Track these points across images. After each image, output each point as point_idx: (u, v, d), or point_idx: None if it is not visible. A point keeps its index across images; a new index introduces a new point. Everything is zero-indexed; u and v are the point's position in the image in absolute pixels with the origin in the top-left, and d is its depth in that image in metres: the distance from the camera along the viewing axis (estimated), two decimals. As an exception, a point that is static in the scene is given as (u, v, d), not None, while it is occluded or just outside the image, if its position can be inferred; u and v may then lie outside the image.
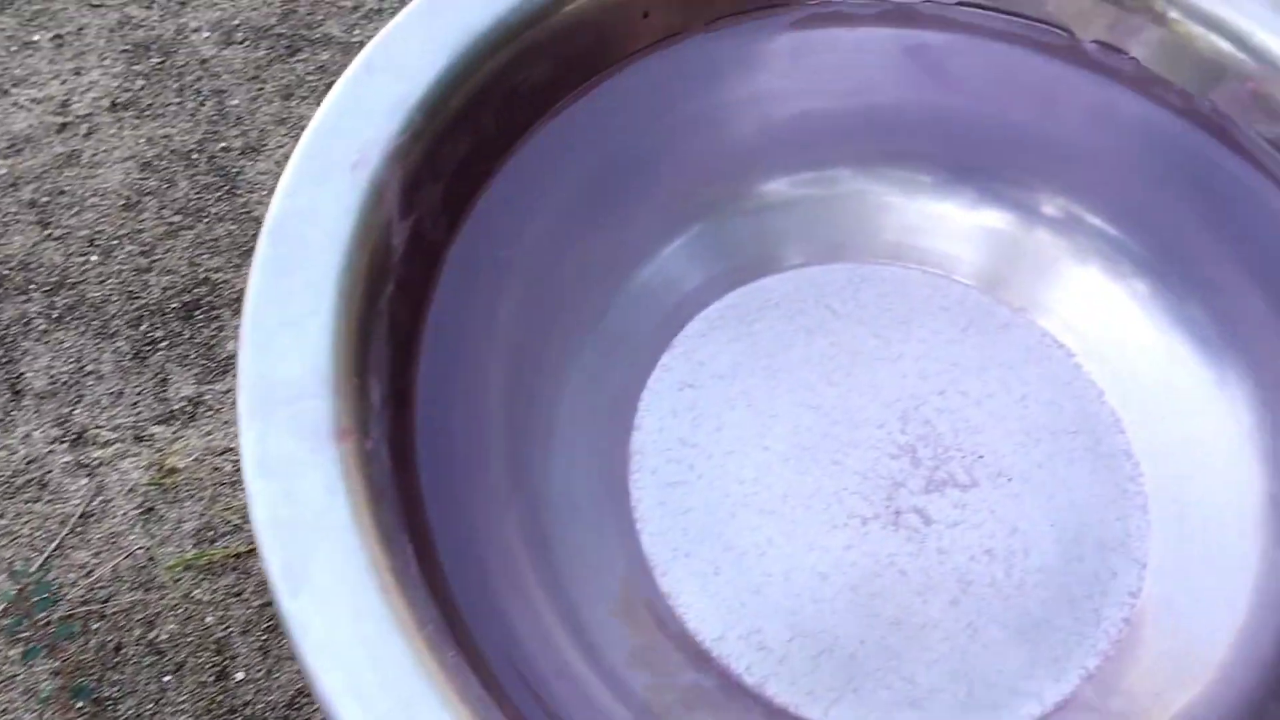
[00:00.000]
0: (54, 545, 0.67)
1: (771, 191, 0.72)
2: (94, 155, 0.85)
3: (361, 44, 0.92)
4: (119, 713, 0.63)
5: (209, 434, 0.72)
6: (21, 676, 0.63)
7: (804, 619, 0.63)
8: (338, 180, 0.55)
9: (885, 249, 0.73)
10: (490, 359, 0.62)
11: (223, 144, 0.85)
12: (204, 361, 0.75)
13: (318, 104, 0.87)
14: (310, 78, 0.89)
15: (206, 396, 0.73)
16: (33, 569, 0.64)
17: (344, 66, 0.87)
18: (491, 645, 0.54)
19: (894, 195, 0.73)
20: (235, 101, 0.88)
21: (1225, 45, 0.67)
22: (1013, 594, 0.65)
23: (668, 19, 0.69)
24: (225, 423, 0.72)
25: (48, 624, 0.65)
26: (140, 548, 0.68)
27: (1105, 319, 0.71)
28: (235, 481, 0.70)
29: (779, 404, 0.69)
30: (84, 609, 0.65)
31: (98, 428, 0.72)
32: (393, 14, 0.90)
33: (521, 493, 0.62)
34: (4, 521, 0.68)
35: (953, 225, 0.73)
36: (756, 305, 0.72)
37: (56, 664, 0.64)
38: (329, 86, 0.89)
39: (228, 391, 0.73)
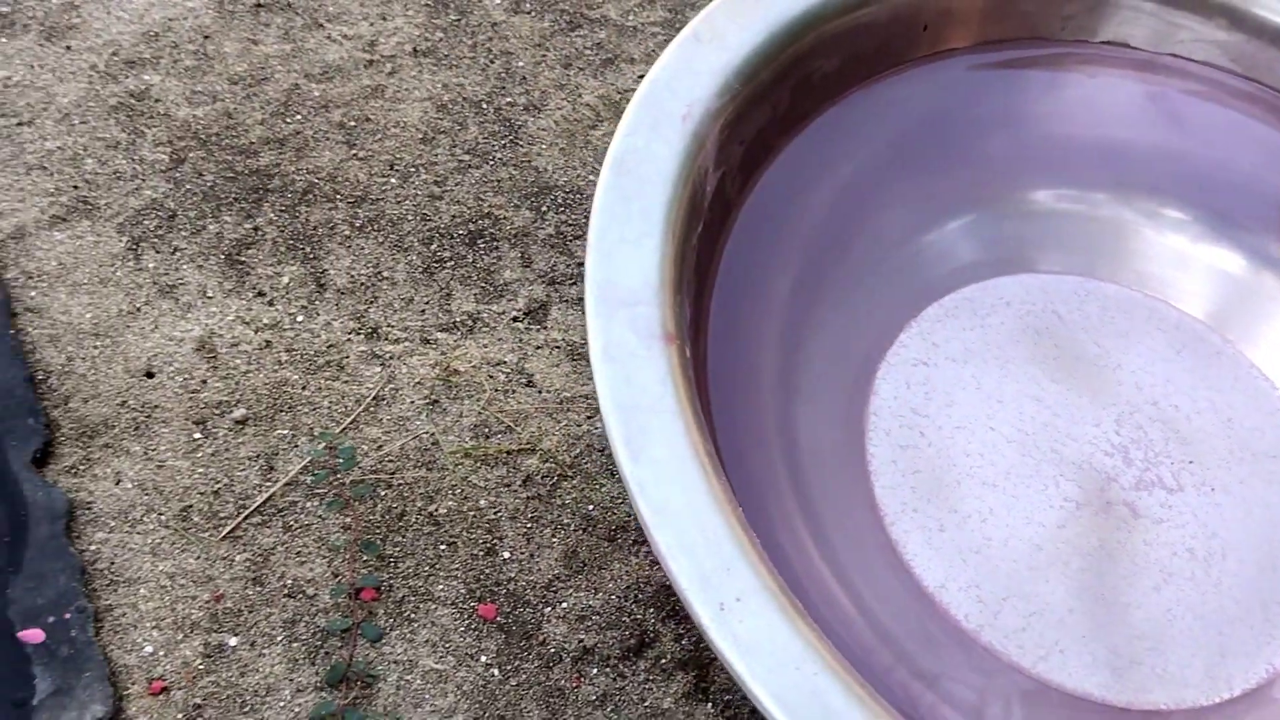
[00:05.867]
0: (350, 419, 0.75)
1: (1035, 200, 0.79)
2: (396, 91, 0.94)
3: (635, 28, 1.01)
4: (399, 570, 0.70)
5: (486, 346, 0.79)
6: (316, 526, 0.71)
7: (1019, 582, 0.68)
8: (669, 128, 0.63)
9: (1131, 276, 0.79)
10: (767, 303, 0.69)
11: (508, 99, 0.94)
12: (483, 284, 0.83)
13: (594, 76, 0.98)
14: (588, 52, 0.97)
15: (484, 314, 0.81)
16: (335, 434, 0.73)
17: (619, 45, 0.98)
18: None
19: (1144, 226, 0.80)
20: (520, 63, 0.97)
21: None
22: (1210, 590, 0.70)
23: (942, 35, 0.77)
24: (499, 339, 0.80)
25: (343, 484, 0.73)
26: (425, 432, 0.76)
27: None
28: (509, 389, 0.78)
29: (1006, 391, 0.75)
30: (374, 477, 0.73)
31: (389, 326, 0.80)
32: (665, 4, 1.00)
33: (781, 435, 0.69)
34: (306, 393, 0.76)
35: (1187, 258, 0.80)
36: (990, 301, 0.79)
37: (348, 519, 0.72)
38: (605, 62, 0.98)
39: (503, 312, 0.81)
